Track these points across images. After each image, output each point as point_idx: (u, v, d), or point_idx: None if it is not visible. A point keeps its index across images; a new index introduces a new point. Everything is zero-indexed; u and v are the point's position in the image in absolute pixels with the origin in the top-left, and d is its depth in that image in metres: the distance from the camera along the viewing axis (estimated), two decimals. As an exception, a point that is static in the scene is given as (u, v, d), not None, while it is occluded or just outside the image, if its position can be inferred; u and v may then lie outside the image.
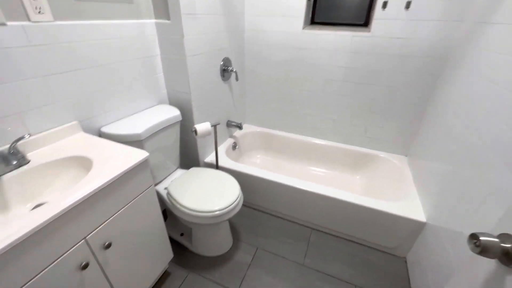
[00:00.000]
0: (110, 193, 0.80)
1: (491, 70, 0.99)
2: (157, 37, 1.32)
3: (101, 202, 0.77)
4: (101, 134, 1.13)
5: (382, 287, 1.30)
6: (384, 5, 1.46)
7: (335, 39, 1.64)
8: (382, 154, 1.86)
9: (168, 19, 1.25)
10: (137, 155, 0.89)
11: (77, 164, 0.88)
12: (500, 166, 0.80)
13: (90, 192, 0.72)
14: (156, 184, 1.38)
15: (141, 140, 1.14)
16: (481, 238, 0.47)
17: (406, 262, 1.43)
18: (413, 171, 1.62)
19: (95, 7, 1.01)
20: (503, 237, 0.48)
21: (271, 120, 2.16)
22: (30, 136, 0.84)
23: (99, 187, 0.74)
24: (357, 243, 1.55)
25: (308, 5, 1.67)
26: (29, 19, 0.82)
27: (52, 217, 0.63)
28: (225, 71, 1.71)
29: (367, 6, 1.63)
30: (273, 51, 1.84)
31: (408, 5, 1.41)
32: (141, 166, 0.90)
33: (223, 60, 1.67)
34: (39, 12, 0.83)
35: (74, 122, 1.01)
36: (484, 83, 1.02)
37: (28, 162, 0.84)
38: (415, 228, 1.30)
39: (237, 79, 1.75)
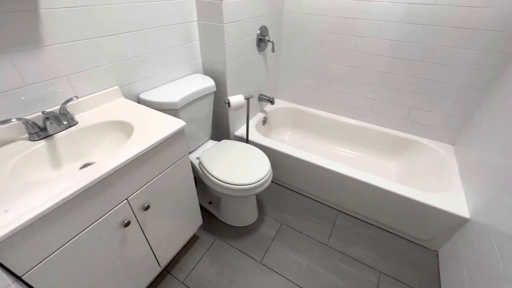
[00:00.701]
0: (149, 159, 0.82)
1: None
2: (194, 1, 1.26)
3: (141, 167, 0.80)
4: (139, 101, 1.15)
5: (409, 276, 1.26)
6: (457, -36, 1.22)
7: (389, 7, 1.44)
8: (425, 141, 1.71)
9: (207, -20, 1.17)
10: (174, 123, 0.90)
11: (119, 128, 0.91)
12: None
13: (132, 157, 0.74)
14: (189, 153, 1.42)
15: (177, 109, 1.14)
16: None
17: (437, 256, 1.36)
18: (460, 162, 1.47)
19: (136, -35, 0.97)
20: None
21: (304, 97, 2.05)
22: (77, 98, 0.88)
23: (140, 152, 0.76)
24: (385, 230, 1.50)
25: (360, -34, 1.46)
26: (74, -21, 0.80)
27: (98, 177, 0.67)
28: (261, 40, 1.61)
29: (433, -34, 1.38)
30: (315, 20, 1.68)
31: (488, -35, 1.17)
32: (178, 135, 0.91)
33: (260, 28, 1.57)
34: (83, -29, 0.81)
35: (115, 87, 1.04)
36: None
37: (77, 123, 0.89)
38: (455, 223, 1.21)
39: (273, 50, 1.65)
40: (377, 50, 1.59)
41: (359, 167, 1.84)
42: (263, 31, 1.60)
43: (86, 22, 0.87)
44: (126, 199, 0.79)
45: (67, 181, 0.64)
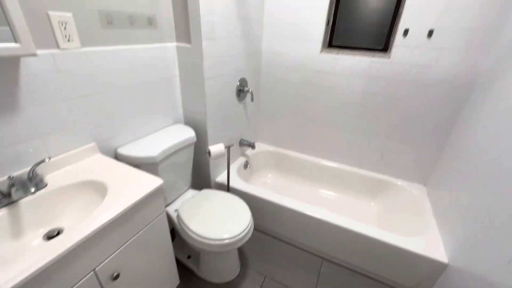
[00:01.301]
0: (123, 222, 0.79)
1: (524, 109, 0.94)
2: (177, 59, 1.35)
3: (113, 232, 0.76)
4: (117, 156, 1.13)
5: (399, 330, 1.21)
6: (405, 32, 1.44)
7: (353, 63, 1.63)
8: (399, 182, 1.79)
9: (189, 43, 1.27)
10: (151, 182, 0.89)
11: (92, 189, 0.88)
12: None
13: (104, 224, 0.71)
14: (166, 206, 1.37)
15: (156, 163, 1.14)
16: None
17: (425, 303, 1.34)
18: (433, 203, 1.54)
19: (121, 33, 1.04)
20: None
21: (284, 140, 2.14)
22: (50, 159, 0.85)
23: (113, 218, 0.73)
24: (372, 278, 1.47)
25: (326, 29, 1.67)
26: (58, 47, 0.84)
27: (65, 250, 0.62)
28: (241, 91, 1.72)
29: (387, 32, 1.61)
30: (290, 72, 1.84)
31: (430, 34, 1.38)
32: (155, 193, 0.89)
33: (240, 80, 1.68)
34: (68, 40, 0.86)
35: (92, 144, 1.03)
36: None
37: (46, 185, 0.85)
38: (435, 269, 1.22)
39: (252, 99, 1.75)
40: (348, 99, 1.74)
41: (341, 209, 1.86)
42: (243, 82, 1.71)
43: (66, 84, 0.89)
44: (93, 270, 0.72)
45: (29, 257, 0.59)
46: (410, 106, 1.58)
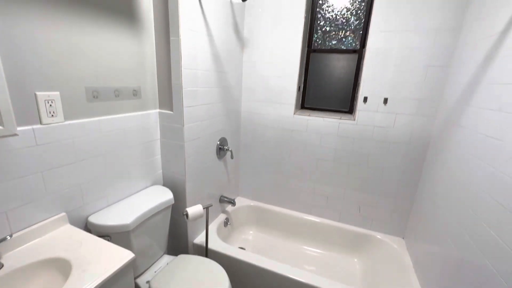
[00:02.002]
0: (85, 307, 0.72)
1: (463, 167, 1.06)
2: (159, 123, 1.42)
3: (71, 321, 0.69)
4: (88, 224, 1.08)
5: None
6: (365, 99, 1.65)
7: (324, 124, 1.79)
8: (379, 235, 1.81)
9: (171, 110, 1.37)
10: (122, 255, 0.84)
11: (54, 268, 0.82)
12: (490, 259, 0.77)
13: (62, 313, 0.64)
14: (137, 277, 1.26)
15: (129, 231, 1.09)
16: None
17: None
18: (412, 257, 1.55)
19: (106, 105, 1.11)
20: None
21: (264, 194, 2.15)
22: (11, 237, 0.81)
23: (73, 305, 0.67)
24: None
25: (297, 94, 1.88)
26: (40, 123, 0.88)
27: None
28: (221, 149, 1.79)
29: (350, 97, 1.84)
30: (267, 131, 1.97)
31: (385, 101, 1.60)
32: (125, 268, 0.84)
33: (220, 140, 1.76)
34: (52, 116, 0.91)
35: (62, 214, 0.99)
36: (463, 166, 1.08)
37: (1, 266, 0.78)
38: (424, 334, 1.16)
39: (232, 157, 1.81)
40: (321, 155, 1.86)
41: (325, 268, 1.80)
42: (222, 141, 1.79)
43: (43, 157, 0.90)
44: None
45: None
46: (378, 161, 1.71)
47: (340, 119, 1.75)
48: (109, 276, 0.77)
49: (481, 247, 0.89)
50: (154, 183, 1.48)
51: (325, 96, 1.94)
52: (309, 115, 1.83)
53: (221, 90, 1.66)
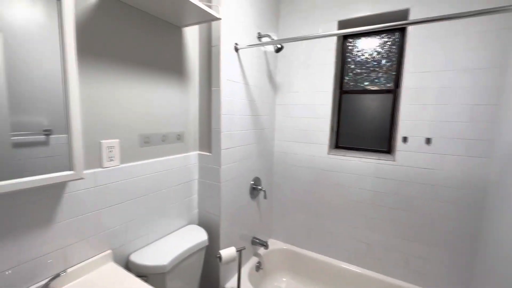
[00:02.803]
0: None
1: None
2: (198, 164, 1.51)
3: None
4: (128, 263, 1.13)
5: None
6: (404, 139, 1.58)
7: (361, 164, 1.73)
8: (434, 295, 1.55)
9: (210, 152, 1.46)
10: (158, 300, 0.85)
11: (97, 308, 0.85)
12: None
13: None
14: (169, 322, 1.23)
15: (165, 272, 1.11)
16: None
17: None
18: (483, 330, 1.28)
19: (154, 149, 1.24)
20: None
21: (298, 236, 2.04)
22: (65, 272, 0.87)
23: None
24: None
25: (331, 134, 1.87)
26: (101, 166, 1.01)
27: None
28: (254, 189, 1.80)
29: (388, 136, 1.78)
30: (301, 171, 1.95)
31: (428, 141, 1.51)
32: (160, 315, 0.84)
33: (254, 179, 1.79)
34: (111, 160, 1.03)
35: (107, 252, 1.05)
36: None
37: (53, 302, 0.84)
38: None
39: (265, 197, 1.81)
40: (359, 197, 1.75)
41: (370, 330, 1.56)
42: (256, 181, 1.81)
43: (99, 197, 1.01)
44: None
45: None
46: (426, 207, 1.55)
47: (378, 159, 1.67)
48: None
49: None
50: (190, 222, 1.52)
51: (360, 135, 1.90)
52: (344, 155, 1.79)
53: (255, 132, 1.74)
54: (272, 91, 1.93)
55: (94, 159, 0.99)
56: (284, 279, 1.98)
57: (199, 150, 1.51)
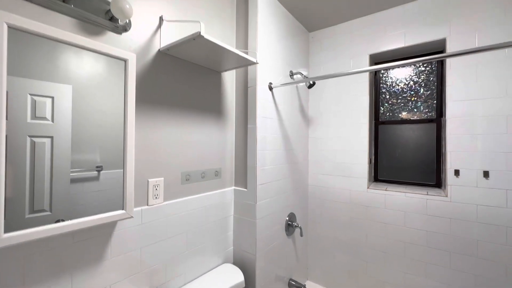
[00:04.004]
0: None
1: None
2: (233, 200, 1.52)
3: None
4: (166, 306, 1.11)
5: None
6: (456, 173, 1.44)
7: (406, 200, 1.58)
8: None
9: (246, 188, 1.46)
10: None
11: None
12: None
13: None
14: None
15: (203, 317, 1.06)
16: None
17: None
18: None
19: (195, 186, 1.28)
20: None
21: (338, 280, 1.85)
22: (110, 313, 0.88)
23: None
24: None
25: (369, 166, 1.78)
26: (147, 204, 1.06)
27: None
28: (290, 226, 1.72)
29: (435, 169, 1.63)
30: (338, 206, 1.85)
31: (486, 174, 1.35)
32: None
33: (289, 215, 1.72)
34: (156, 198, 1.09)
35: (147, 291, 1.05)
36: None
37: None
38: None
39: (301, 234, 1.71)
40: (409, 237, 1.57)
41: None
42: (291, 217, 1.75)
43: (144, 234, 1.04)
44: None
45: None
46: (494, 251, 1.33)
47: (427, 194, 1.52)
48: None
49: None
50: (225, 260, 1.47)
51: (401, 167, 1.78)
52: (386, 189, 1.67)
53: (289, 166, 1.72)
54: (304, 125, 1.94)
55: (141, 197, 1.05)
56: (326, 331, 1.76)
57: (235, 186, 1.52)
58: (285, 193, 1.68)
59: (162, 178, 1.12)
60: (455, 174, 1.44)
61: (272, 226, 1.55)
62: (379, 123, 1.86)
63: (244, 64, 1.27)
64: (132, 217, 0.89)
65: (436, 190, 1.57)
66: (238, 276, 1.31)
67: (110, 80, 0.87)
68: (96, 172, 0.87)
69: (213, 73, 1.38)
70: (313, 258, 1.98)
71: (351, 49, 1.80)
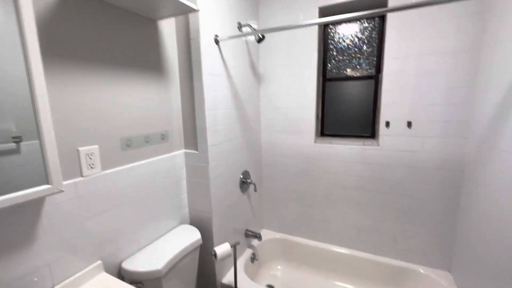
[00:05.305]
0: None
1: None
2: (184, 163, 1.47)
3: None
4: (121, 271, 1.10)
5: None
6: (387, 124, 1.62)
7: (347, 150, 1.76)
8: (421, 268, 1.65)
9: (196, 150, 1.42)
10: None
11: (92, 322, 0.82)
12: None
13: None
14: (169, 323, 1.23)
15: (161, 276, 1.09)
16: None
17: None
18: (464, 296, 1.39)
19: (138, 151, 1.18)
20: None
21: (290, 226, 2.08)
22: (53, 289, 0.83)
23: None
24: None
25: (316, 123, 1.89)
26: (81, 175, 0.95)
27: None
28: (244, 183, 1.79)
29: (371, 122, 1.81)
30: (288, 161, 1.96)
31: (409, 125, 1.56)
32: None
33: (242, 173, 1.78)
34: (91, 167, 0.97)
35: (98, 263, 1.01)
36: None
37: (44, 322, 0.80)
38: None
39: (255, 190, 1.81)
40: (347, 183, 1.80)
41: (363, 307, 1.65)
42: (245, 174, 1.80)
43: (82, 208, 0.95)
44: None
45: None
46: (410, 188, 1.62)
47: (363, 145, 1.71)
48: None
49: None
50: (181, 222, 1.49)
51: (344, 122, 1.93)
52: (330, 143, 1.82)
53: (241, 125, 1.71)
54: (255, 83, 1.89)
55: (73, 168, 0.92)
56: (279, 267, 2.03)
57: (185, 149, 1.46)
58: (238, 153, 1.69)
59: (97, 146, 0.99)
60: (386, 126, 1.63)
61: (226, 185, 1.58)
62: (326, 80, 1.92)
63: (182, 11, 1.11)
64: (61, 191, 0.79)
65: (371, 140, 1.78)
66: (195, 235, 1.34)
67: (7, 28, 0.67)
68: (14, 143, 0.72)
69: (149, 22, 1.18)
70: (267, 210, 2.15)
71: (301, 1, 1.72)
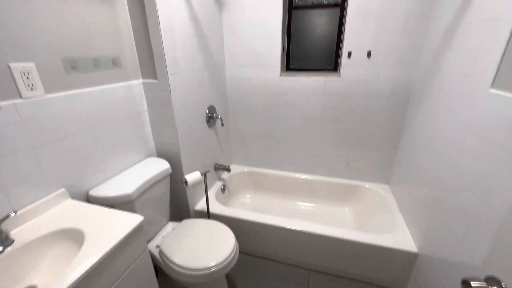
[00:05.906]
0: (104, 268, 0.76)
1: (444, 107, 1.14)
2: (144, 95, 1.38)
3: (95, 280, 0.73)
4: (89, 198, 1.09)
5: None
6: (349, 55, 1.66)
7: (310, 83, 1.81)
8: (367, 184, 1.95)
9: (156, 79, 1.32)
10: (131, 220, 0.88)
11: (68, 238, 0.84)
12: (466, 193, 0.88)
13: (84, 274, 0.68)
14: (147, 242, 1.32)
15: (132, 200, 1.12)
16: (472, 284, 0.52)
17: (406, 295, 1.43)
18: (397, 199, 1.71)
19: (86, 76, 1.05)
20: (490, 281, 0.53)
21: (257, 159, 2.21)
22: (15, 213, 0.81)
23: (93, 265, 0.71)
24: (357, 280, 1.54)
25: (282, 55, 1.85)
26: (21, 97, 0.83)
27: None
28: (211, 118, 1.78)
29: (334, 54, 1.84)
30: (255, 96, 1.96)
31: (369, 54, 1.62)
32: (136, 231, 0.88)
33: (208, 108, 1.75)
34: (32, 89, 0.86)
35: (61, 190, 0.98)
36: (440, 118, 1.16)
37: (13, 242, 0.79)
38: (408, 259, 1.34)
39: (222, 124, 1.82)
40: (310, 115, 1.90)
41: (319, 219, 1.95)
42: (211, 109, 1.78)
43: (30, 132, 0.87)
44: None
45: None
46: (364, 116, 1.78)
47: (326, 77, 1.76)
48: (124, 237, 0.81)
49: (457, 187, 1.00)
50: (148, 156, 1.47)
51: (309, 56, 1.92)
52: (295, 76, 1.83)
53: (204, 56, 1.60)
54: (217, 10, 1.71)
55: (8, 88, 0.80)
56: (248, 196, 2.22)
57: (143, 78, 1.35)
58: (202, 86, 1.62)
59: (33, 64, 0.86)
60: (348, 56, 1.67)
61: (192, 118, 1.55)
62: (293, 8, 1.81)
63: None
64: (-1, 108, 0.70)
65: (334, 72, 1.83)
66: (163, 164, 1.36)
67: None
68: None
69: None
70: (235, 146, 2.22)
71: None
